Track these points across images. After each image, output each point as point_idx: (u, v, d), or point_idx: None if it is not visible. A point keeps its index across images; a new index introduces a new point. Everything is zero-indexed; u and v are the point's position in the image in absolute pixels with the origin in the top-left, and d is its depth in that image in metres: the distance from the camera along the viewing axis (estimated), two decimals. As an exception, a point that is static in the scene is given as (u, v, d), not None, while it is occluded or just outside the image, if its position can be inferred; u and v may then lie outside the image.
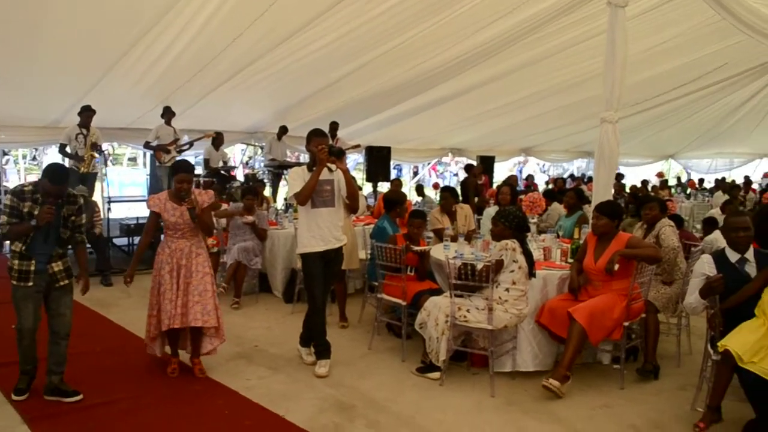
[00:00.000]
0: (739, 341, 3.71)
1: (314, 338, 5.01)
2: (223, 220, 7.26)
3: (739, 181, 17.26)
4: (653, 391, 4.76)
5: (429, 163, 20.23)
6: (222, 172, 10.63)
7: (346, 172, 4.84)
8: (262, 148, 12.49)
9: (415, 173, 21.10)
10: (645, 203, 5.73)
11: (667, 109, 14.12)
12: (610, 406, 4.44)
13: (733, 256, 4.10)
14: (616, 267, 4.64)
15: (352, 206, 5.19)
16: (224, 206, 7.77)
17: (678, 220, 7.54)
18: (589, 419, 4.22)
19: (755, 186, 17.28)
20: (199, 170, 10.41)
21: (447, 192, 7.17)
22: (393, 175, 15.23)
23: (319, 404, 4.35)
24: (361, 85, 9.89)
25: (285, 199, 10.80)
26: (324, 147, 4.64)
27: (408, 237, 5.66)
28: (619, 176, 16.77)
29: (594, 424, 4.14)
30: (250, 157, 14.07)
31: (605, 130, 5.84)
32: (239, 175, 12.70)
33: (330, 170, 4.83)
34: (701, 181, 18.31)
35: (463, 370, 5.05)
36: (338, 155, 4.75)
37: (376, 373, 4.98)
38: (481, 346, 4.86)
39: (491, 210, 7.17)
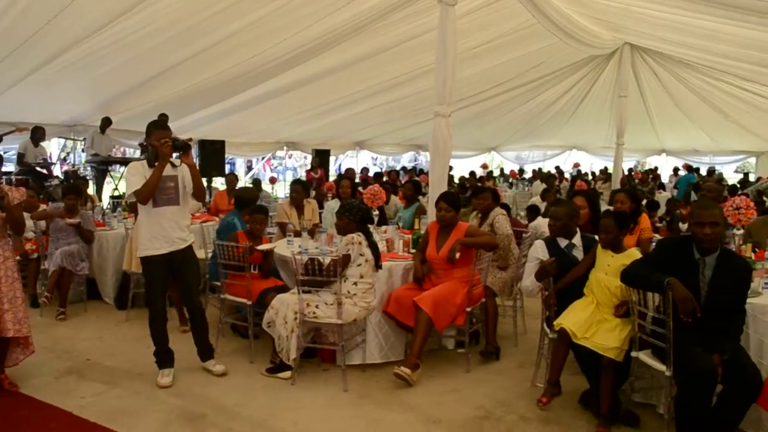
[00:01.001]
0: (572, 319, 4.01)
1: (156, 346, 4.67)
2: (42, 222, 6.57)
3: (550, 171, 18.79)
4: (496, 371, 5.01)
5: (264, 158, 19.89)
6: (38, 168, 9.65)
7: (192, 166, 4.53)
8: (83, 142, 11.51)
9: (249, 168, 20.66)
10: (478, 193, 5.99)
11: (491, 105, 15.03)
12: (458, 390, 4.61)
13: (562, 242, 4.43)
14: (458, 255, 4.82)
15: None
16: (43, 207, 7.06)
17: (506, 209, 8.02)
18: (440, 404, 4.34)
19: (567, 175, 18.89)
20: (10, 167, 9.40)
21: (299, 185, 7.07)
22: (226, 169, 14.76)
23: (165, 417, 4.06)
24: (191, 76, 9.42)
25: (111, 197, 10.07)
26: (167, 140, 4.33)
27: (249, 233, 5.48)
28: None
29: (445, 409, 4.27)
30: (68, 153, 12.93)
31: (439, 124, 6.00)
32: (57, 172, 11.60)
33: (173, 165, 4.53)
34: (521, 171, 19.71)
35: (314, 367, 4.98)
36: (183, 149, 4.43)
37: (225, 377, 4.76)
38: (331, 341, 4.83)
39: (332, 204, 7.17)
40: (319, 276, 4.60)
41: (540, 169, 19.44)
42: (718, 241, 3.57)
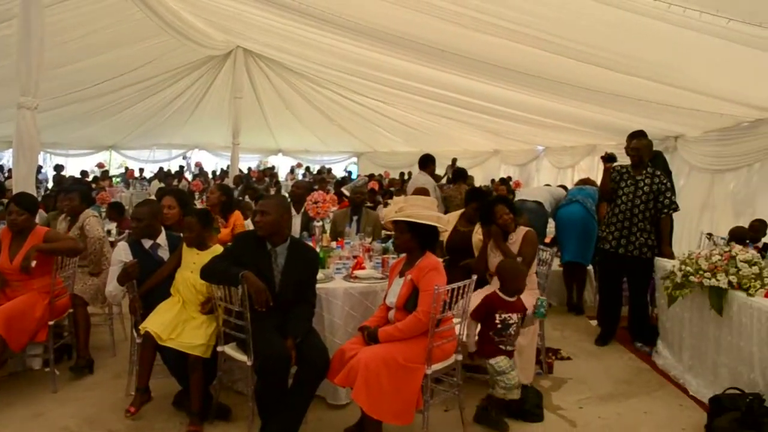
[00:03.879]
0: (158, 321, 3.92)
1: None
2: None
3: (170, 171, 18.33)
4: (89, 386, 4.65)
5: None
6: None
7: None
8: None
9: None
10: (65, 194, 5.46)
11: (106, 101, 14.03)
12: (42, 414, 4.14)
13: (146, 243, 4.30)
14: (33, 263, 4.30)
15: None
16: None
17: (119, 208, 7.58)
18: (15, 434, 3.85)
19: (188, 175, 18.69)
20: None
21: None
22: None
23: None
24: None
25: None
26: None
27: None
28: (59, 167, 16.03)
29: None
30: None
31: (23, 117, 5.41)
32: None
33: None
34: (141, 170, 18.92)
35: None
36: None
37: None
38: None
39: None
40: None
41: (161, 168, 18.88)
42: (268, 229, 3.81)
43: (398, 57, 8.29)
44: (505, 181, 14.05)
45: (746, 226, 6.17)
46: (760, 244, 5.65)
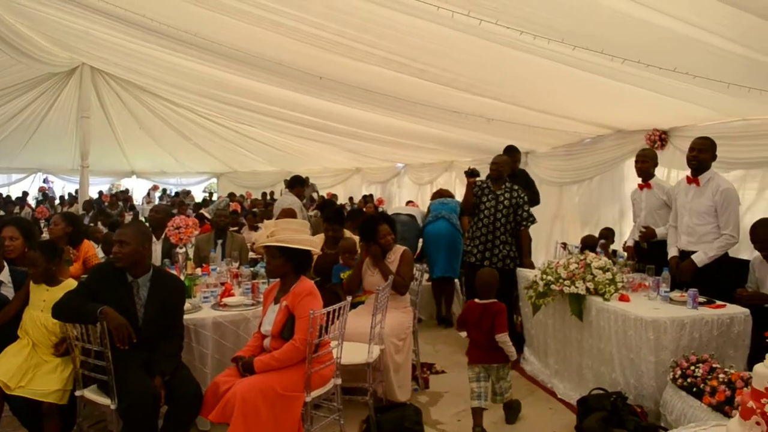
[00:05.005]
0: (4, 368, 3.53)
1: None
2: None
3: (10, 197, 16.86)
4: None
5: None
6: None
7: None
8: None
9: None
10: None
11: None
12: None
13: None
14: None
15: None
16: None
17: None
18: None
19: (31, 201, 17.21)
20: None
21: None
22: None
23: None
24: None
25: None
26: None
27: None
28: None
29: None
30: None
31: None
32: None
33: None
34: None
35: None
36: None
37: None
38: None
39: None
40: None
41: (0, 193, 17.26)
42: (128, 260, 3.56)
43: (259, 80, 8.17)
44: (367, 198, 14.25)
45: (592, 233, 6.65)
46: (609, 251, 6.09)
